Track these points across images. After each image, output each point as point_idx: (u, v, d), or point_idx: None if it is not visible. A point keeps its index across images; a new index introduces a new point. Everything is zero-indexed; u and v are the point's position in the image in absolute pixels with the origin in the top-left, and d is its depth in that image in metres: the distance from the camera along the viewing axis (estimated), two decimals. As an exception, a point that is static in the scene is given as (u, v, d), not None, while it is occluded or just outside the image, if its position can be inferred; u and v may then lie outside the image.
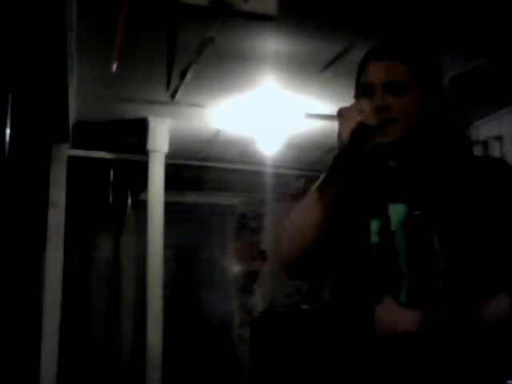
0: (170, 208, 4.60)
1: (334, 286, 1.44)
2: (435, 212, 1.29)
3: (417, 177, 1.35)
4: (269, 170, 5.37)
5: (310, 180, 6.31)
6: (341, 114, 1.32)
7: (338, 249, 1.40)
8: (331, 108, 4.06)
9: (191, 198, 5.83)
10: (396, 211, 1.33)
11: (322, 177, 1.42)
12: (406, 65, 1.34)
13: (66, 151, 4.47)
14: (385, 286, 1.30)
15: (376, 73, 1.36)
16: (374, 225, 1.34)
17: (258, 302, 6.04)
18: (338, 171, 1.36)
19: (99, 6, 2.68)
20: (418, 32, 2.99)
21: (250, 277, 6.12)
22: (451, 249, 1.26)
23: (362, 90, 1.39)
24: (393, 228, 1.31)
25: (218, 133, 4.71)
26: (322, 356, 1.51)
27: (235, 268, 6.08)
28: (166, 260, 4.63)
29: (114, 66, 2.88)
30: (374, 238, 1.33)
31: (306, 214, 1.39)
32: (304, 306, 5.59)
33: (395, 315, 1.25)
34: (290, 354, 5.01)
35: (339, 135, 1.31)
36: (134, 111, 4.26)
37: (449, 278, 1.25)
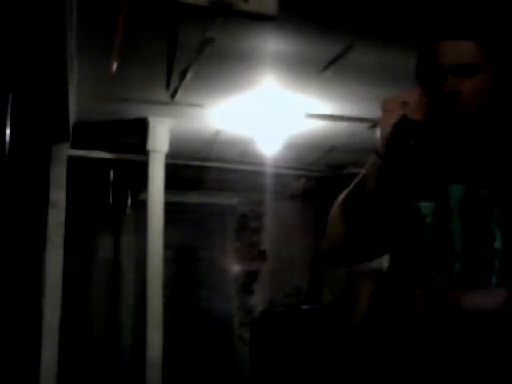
0: (170, 208, 4.60)
1: (389, 267, 1.39)
2: (495, 192, 1.25)
3: (479, 156, 1.31)
4: (269, 170, 5.37)
5: (310, 180, 6.32)
6: (383, 106, 1.27)
7: (392, 231, 1.37)
8: (331, 108, 4.06)
9: (191, 197, 5.83)
10: (455, 191, 1.29)
11: (363, 170, 1.36)
12: (477, 43, 1.27)
13: (66, 151, 4.47)
14: (437, 266, 1.26)
15: (445, 54, 1.27)
16: (429, 205, 1.31)
17: (258, 301, 6.04)
18: (379, 166, 1.31)
19: (99, 7, 2.68)
20: (417, 31, 3.00)
21: (250, 277, 6.12)
22: (509, 229, 1.22)
23: (429, 73, 1.31)
24: (450, 208, 1.28)
25: (217, 133, 4.71)
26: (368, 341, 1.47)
27: (235, 268, 6.09)
28: (166, 260, 4.63)
29: (114, 66, 2.88)
30: (429, 219, 1.29)
31: (343, 208, 1.38)
32: (304, 306, 5.59)
33: (446, 295, 1.22)
34: (290, 354, 5.01)
35: (381, 129, 1.27)
36: (134, 111, 4.26)
37: (505, 259, 1.22)
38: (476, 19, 1.33)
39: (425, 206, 1.31)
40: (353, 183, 1.38)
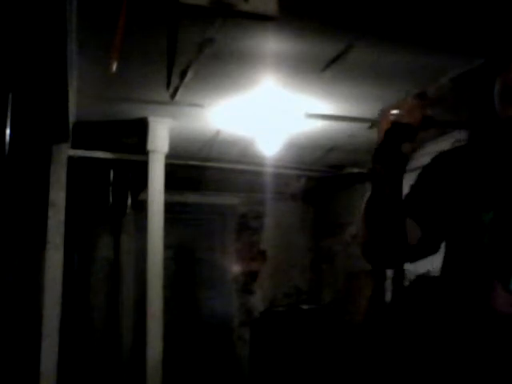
0: (170, 208, 4.60)
1: (445, 271, 1.40)
2: None
3: None
4: (269, 170, 5.37)
5: (310, 180, 6.32)
6: (380, 117, 1.32)
7: (449, 236, 1.36)
8: (331, 108, 4.06)
9: (191, 197, 5.83)
10: None
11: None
12: None
13: (66, 151, 4.46)
14: (495, 273, 1.26)
15: None
16: (489, 214, 1.31)
17: (257, 301, 6.04)
18: (376, 170, 1.34)
19: (99, 7, 2.68)
20: (418, 31, 3.00)
21: (250, 277, 6.12)
22: None
23: (506, 93, 1.31)
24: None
25: (218, 133, 4.71)
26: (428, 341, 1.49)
27: (235, 268, 6.09)
28: (166, 260, 4.63)
29: (114, 66, 2.88)
30: (489, 226, 1.30)
31: (366, 211, 1.40)
32: (304, 306, 5.59)
33: (505, 300, 1.22)
34: (290, 354, 5.01)
35: (377, 137, 1.32)
36: (134, 111, 4.26)
37: None
38: None
39: (484, 214, 1.31)
40: (372, 186, 1.40)
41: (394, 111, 1.29)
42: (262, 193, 5.92)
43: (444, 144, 3.28)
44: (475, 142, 1.36)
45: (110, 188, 5.32)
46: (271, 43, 3.12)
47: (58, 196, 4.38)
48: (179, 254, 5.85)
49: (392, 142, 1.28)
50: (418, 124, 1.27)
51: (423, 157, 1.65)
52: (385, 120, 1.29)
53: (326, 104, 4.03)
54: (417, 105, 1.29)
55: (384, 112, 1.32)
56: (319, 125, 4.43)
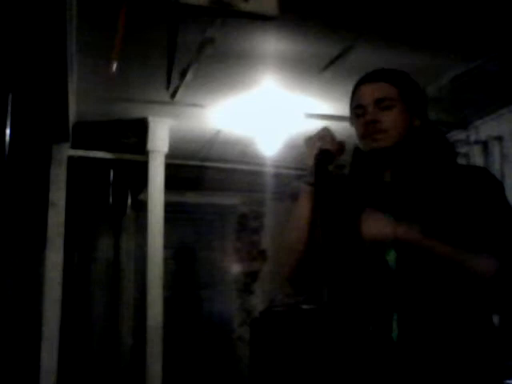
0: (170, 208, 4.60)
1: (332, 292, 1.64)
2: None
3: (403, 190, 1.51)
4: (269, 170, 5.37)
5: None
6: (306, 144, 1.58)
7: (333, 254, 1.56)
8: (331, 108, 4.06)
9: (191, 197, 5.83)
10: None
11: (298, 200, 1.63)
12: (391, 84, 1.56)
13: (66, 151, 4.46)
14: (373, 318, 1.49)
15: (365, 93, 1.59)
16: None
17: (257, 301, 6.04)
18: (310, 193, 1.58)
19: (99, 6, 2.68)
20: (418, 31, 3.00)
21: (250, 277, 6.12)
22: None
23: (355, 112, 1.62)
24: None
25: (218, 133, 4.71)
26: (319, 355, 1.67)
27: (235, 268, 6.08)
28: (166, 260, 4.63)
29: (114, 66, 2.88)
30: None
31: (290, 232, 1.61)
32: (304, 306, 5.59)
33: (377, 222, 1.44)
34: (290, 354, 5.01)
35: (307, 162, 1.56)
36: (134, 111, 4.26)
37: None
38: (388, 69, 1.69)
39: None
40: (292, 210, 1.62)
41: (319, 140, 1.56)
42: (262, 193, 5.92)
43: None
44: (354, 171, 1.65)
45: (110, 188, 5.32)
46: (271, 43, 3.12)
47: (58, 196, 4.38)
48: (179, 253, 5.85)
49: (321, 165, 1.52)
50: (336, 150, 1.57)
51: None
52: (312, 147, 1.55)
53: (325, 104, 4.03)
54: (332, 135, 1.59)
55: (309, 141, 1.58)
56: (319, 125, 4.42)
